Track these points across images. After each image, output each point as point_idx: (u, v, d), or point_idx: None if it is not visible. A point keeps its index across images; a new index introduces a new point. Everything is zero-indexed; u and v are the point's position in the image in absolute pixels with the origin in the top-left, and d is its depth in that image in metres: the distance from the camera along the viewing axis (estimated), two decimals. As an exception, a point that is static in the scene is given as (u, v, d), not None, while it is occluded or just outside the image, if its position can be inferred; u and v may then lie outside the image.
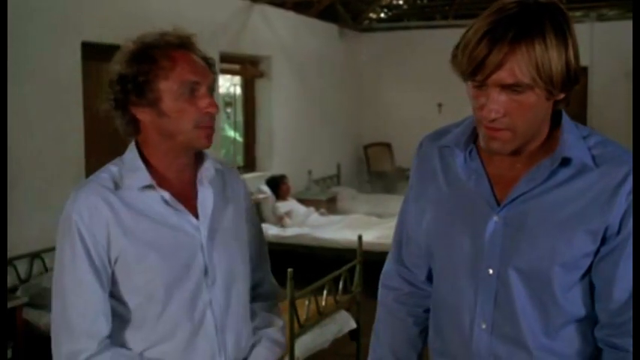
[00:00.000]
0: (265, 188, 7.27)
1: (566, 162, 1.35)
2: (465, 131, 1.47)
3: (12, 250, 4.22)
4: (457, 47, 1.31)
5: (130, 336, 1.60)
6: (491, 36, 1.25)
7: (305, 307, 3.84)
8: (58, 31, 4.86)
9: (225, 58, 6.97)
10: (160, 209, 1.60)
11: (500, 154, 1.39)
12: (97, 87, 5.32)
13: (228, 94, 7.90)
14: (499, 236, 1.40)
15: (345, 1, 9.01)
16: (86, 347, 1.54)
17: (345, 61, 9.87)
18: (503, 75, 1.26)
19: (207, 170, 1.68)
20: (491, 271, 1.42)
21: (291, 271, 3.59)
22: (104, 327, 1.56)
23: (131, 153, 1.64)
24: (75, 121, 5.02)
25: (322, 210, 7.59)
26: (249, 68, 7.77)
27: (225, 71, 7.30)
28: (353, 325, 4.41)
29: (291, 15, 8.24)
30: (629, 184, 1.33)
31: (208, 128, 1.61)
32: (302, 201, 7.65)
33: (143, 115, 1.59)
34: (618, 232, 1.34)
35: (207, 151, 1.72)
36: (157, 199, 1.60)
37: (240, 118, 7.96)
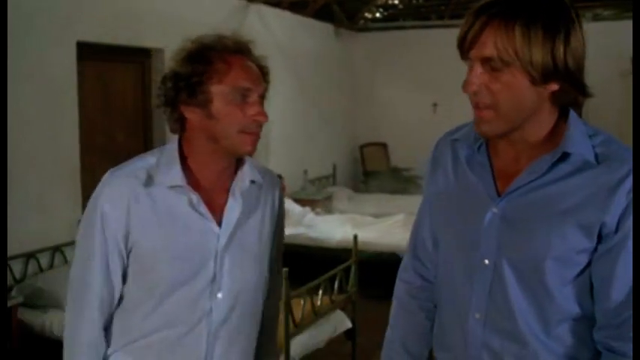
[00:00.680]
0: (261, 188, 7.26)
1: (566, 156, 1.36)
2: None
3: (7, 250, 4.21)
4: None
5: (125, 322, 1.64)
6: (476, 11, 1.31)
7: (300, 306, 3.85)
8: (53, 31, 4.84)
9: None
10: (185, 210, 1.60)
11: (501, 144, 1.43)
12: (92, 87, 5.33)
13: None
14: (496, 227, 1.42)
15: (341, 1, 9.01)
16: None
17: (340, 60, 9.88)
18: (481, 47, 1.31)
19: (242, 181, 1.67)
20: (487, 262, 1.43)
21: (287, 271, 3.59)
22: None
23: (172, 147, 1.65)
24: (70, 122, 5.01)
25: (318, 210, 7.59)
26: (245, 68, 7.74)
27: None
28: (348, 324, 4.41)
29: (287, 15, 8.24)
30: (629, 183, 1.32)
31: (254, 135, 1.61)
32: (298, 201, 7.65)
33: (192, 114, 1.59)
34: (616, 230, 1.33)
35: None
36: (184, 200, 1.60)
37: (235, 117, 7.94)
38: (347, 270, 4.42)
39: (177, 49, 1.62)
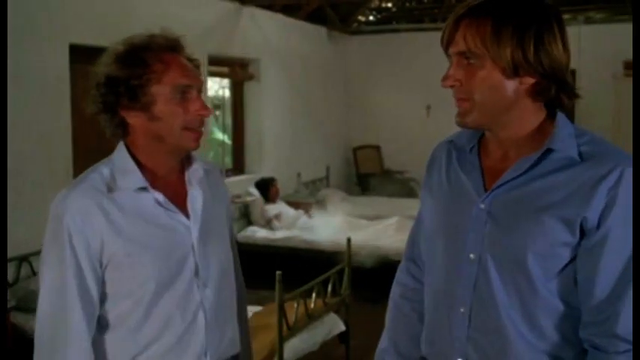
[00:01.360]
0: (254, 191, 7.26)
1: (550, 152, 1.40)
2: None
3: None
4: None
5: (117, 341, 1.59)
6: (456, 12, 1.41)
7: (294, 309, 3.84)
8: (45, 34, 4.83)
9: (214, 60, 6.96)
10: (153, 210, 1.60)
11: (491, 145, 1.50)
12: (84, 89, 5.31)
13: (217, 97, 7.87)
14: (482, 222, 1.45)
15: (334, 4, 9.01)
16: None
17: (334, 63, 9.88)
18: (456, 43, 1.40)
19: (195, 171, 1.69)
20: (472, 257, 1.46)
21: (280, 274, 3.59)
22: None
23: (121, 154, 1.63)
24: (63, 124, 5.00)
25: (311, 212, 7.58)
26: (238, 71, 7.75)
27: (213, 74, 7.28)
28: (342, 327, 4.41)
29: (279, 17, 8.24)
30: (612, 180, 1.34)
31: (197, 130, 1.61)
32: (291, 203, 7.63)
33: (134, 118, 1.58)
34: (598, 226, 1.35)
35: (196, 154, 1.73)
36: (150, 201, 1.60)
37: (229, 120, 7.94)
38: (340, 273, 4.42)
39: (106, 53, 1.59)
